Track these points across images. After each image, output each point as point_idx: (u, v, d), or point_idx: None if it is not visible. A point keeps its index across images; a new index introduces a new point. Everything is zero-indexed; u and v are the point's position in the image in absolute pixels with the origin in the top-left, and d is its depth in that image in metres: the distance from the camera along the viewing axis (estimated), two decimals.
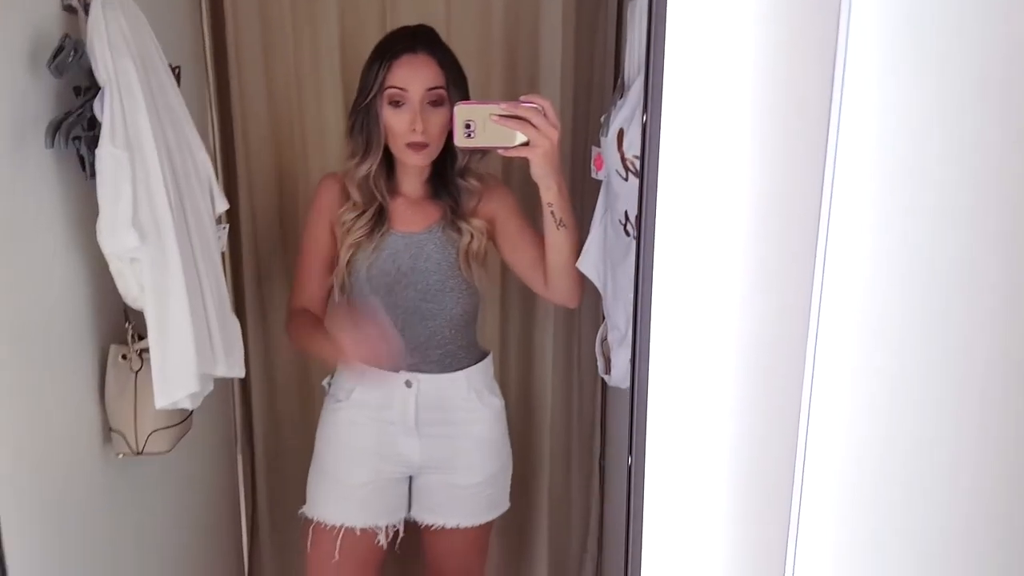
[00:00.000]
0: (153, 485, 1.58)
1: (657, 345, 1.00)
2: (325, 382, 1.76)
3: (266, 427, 2.16)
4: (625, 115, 1.35)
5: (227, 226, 1.55)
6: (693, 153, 0.95)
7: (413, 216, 1.61)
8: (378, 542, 1.69)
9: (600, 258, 1.55)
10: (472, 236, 1.60)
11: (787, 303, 1.00)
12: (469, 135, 1.30)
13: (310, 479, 1.73)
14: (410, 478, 1.74)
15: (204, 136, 1.90)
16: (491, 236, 1.64)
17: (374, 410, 1.67)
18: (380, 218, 1.59)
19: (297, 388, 2.14)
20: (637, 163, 1.33)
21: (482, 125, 1.29)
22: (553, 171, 1.36)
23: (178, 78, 1.54)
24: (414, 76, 1.48)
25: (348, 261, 1.60)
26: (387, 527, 1.70)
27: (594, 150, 1.50)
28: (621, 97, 1.41)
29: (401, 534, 1.73)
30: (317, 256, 1.66)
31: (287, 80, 1.97)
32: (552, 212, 1.43)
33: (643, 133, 0.92)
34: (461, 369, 1.68)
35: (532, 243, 1.58)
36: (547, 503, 2.23)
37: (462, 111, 1.30)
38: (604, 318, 1.60)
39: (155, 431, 1.37)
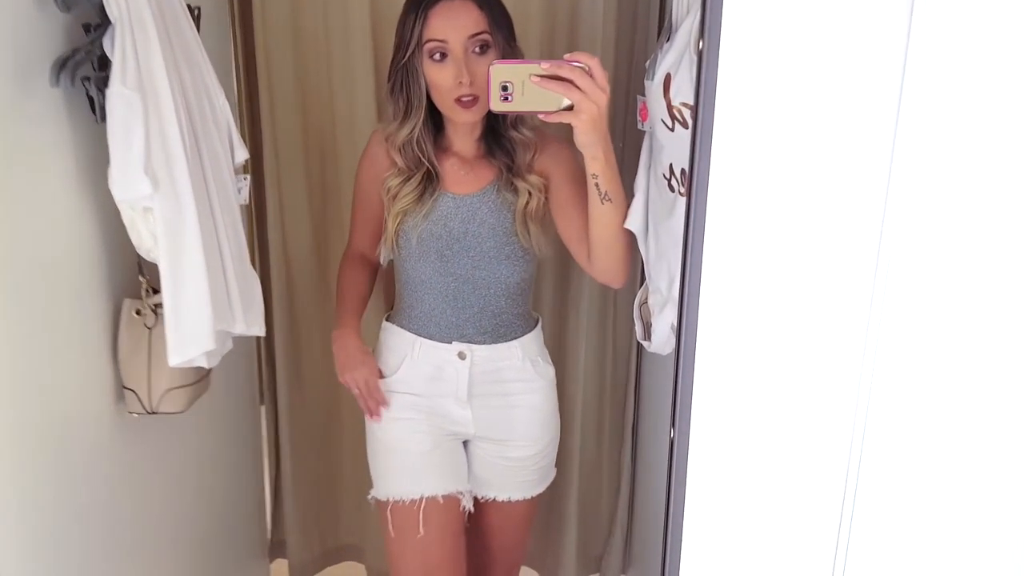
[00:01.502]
0: (170, 445, 1.53)
1: (707, 312, 0.91)
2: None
3: (290, 384, 2.11)
4: (672, 59, 1.25)
5: (248, 176, 1.47)
6: (753, 101, 0.84)
7: (466, 177, 1.51)
8: (463, 508, 1.60)
9: (644, 217, 1.45)
10: (530, 194, 1.48)
11: (848, 269, 0.90)
12: (506, 98, 1.16)
13: (372, 461, 1.64)
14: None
15: (227, 83, 1.82)
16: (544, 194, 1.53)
17: (424, 382, 1.59)
18: (429, 181, 1.49)
19: (322, 344, 2.08)
20: (685, 112, 1.23)
21: (520, 87, 1.15)
22: (600, 139, 1.22)
23: (198, 20, 1.46)
24: (454, 25, 1.36)
25: (396, 229, 1.51)
26: (468, 492, 1.62)
27: (639, 99, 1.39)
28: (668, 40, 1.30)
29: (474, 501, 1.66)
30: (366, 210, 1.60)
31: (315, 24, 1.88)
32: (597, 184, 1.29)
33: (697, 78, 0.81)
34: (516, 338, 1.60)
35: (584, 211, 1.43)
36: (577, 471, 2.16)
37: (498, 71, 1.16)
38: (644, 280, 1.50)
39: (170, 390, 1.31)
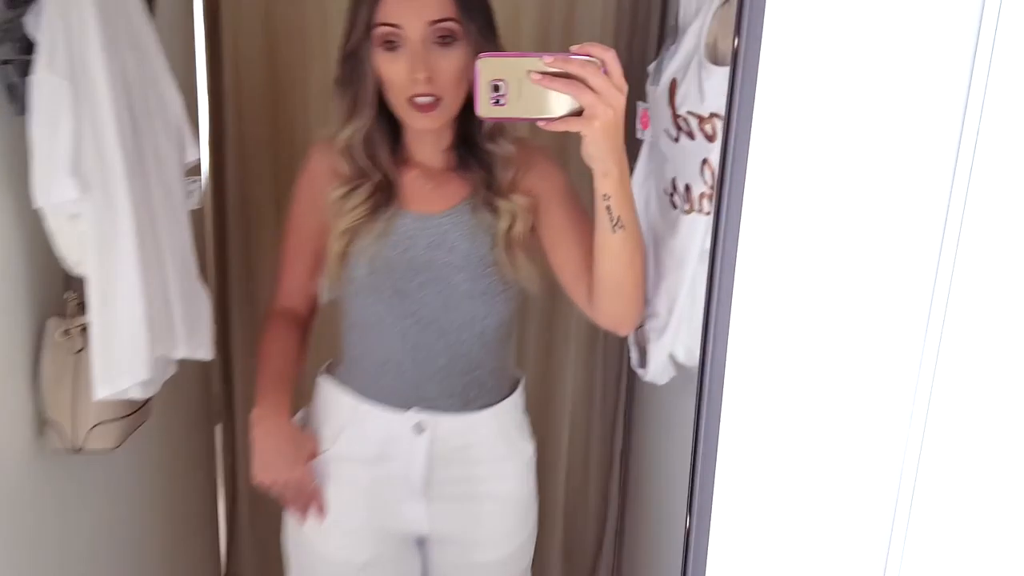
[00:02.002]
0: (104, 480, 1.36)
1: (736, 346, 0.77)
2: (298, 416, 1.32)
3: (249, 403, 1.93)
4: (678, 63, 1.11)
5: (199, 179, 1.31)
6: (792, 111, 0.71)
7: (432, 193, 1.20)
8: None
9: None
10: (514, 217, 1.18)
11: (902, 296, 0.77)
12: (498, 101, 0.91)
13: (288, 556, 1.33)
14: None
15: (187, 73, 1.66)
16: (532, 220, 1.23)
17: (369, 463, 1.25)
18: (385, 196, 1.19)
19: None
20: (691, 121, 1.09)
21: (516, 87, 0.90)
22: (615, 151, 0.95)
23: (152, 2, 1.31)
24: (411, 6, 1.08)
25: (342, 253, 1.19)
26: None
27: (640, 106, 1.25)
28: (674, 42, 1.16)
29: None
30: (302, 247, 1.27)
31: (289, 11, 1.73)
32: (608, 207, 1.00)
33: (731, 83, 0.67)
34: (490, 405, 1.27)
35: (581, 237, 1.16)
36: (562, 502, 2.03)
37: (488, 67, 0.90)
38: None
39: (99, 424, 1.15)
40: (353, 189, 1.18)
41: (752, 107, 0.62)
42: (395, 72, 1.10)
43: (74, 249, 1.07)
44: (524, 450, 1.33)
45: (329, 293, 1.25)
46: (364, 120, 1.15)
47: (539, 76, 0.89)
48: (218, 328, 1.70)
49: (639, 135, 1.26)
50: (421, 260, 1.18)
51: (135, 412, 1.21)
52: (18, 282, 1.11)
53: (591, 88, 0.89)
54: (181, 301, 1.17)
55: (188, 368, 1.32)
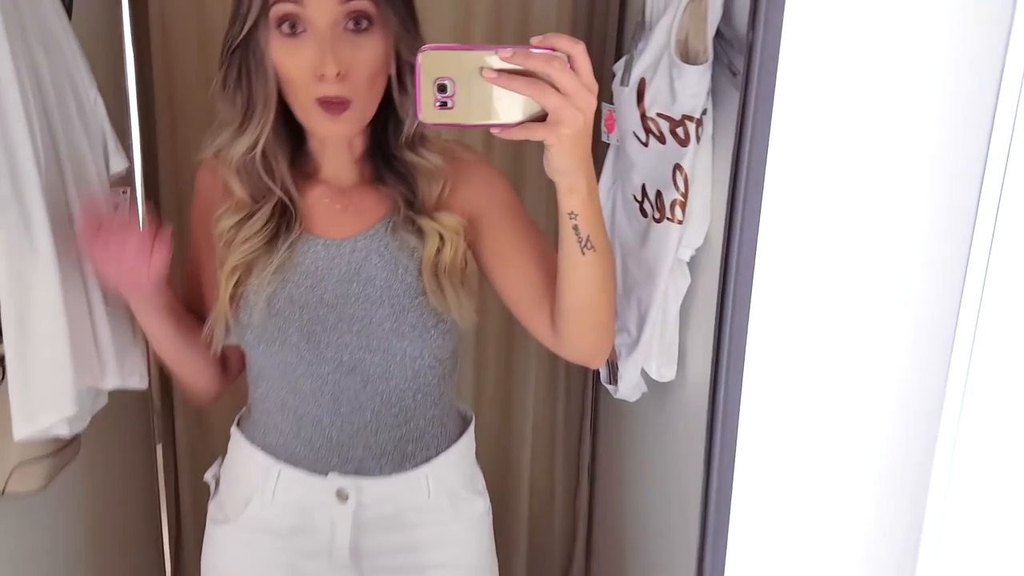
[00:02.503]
0: (35, 522, 1.24)
1: (752, 384, 0.72)
2: (209, 476, 1.16)
3: (189, 423, 1.84)
4: (647, 63, 1.05)
5: (127, 191, 1.20)
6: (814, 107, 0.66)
7: (343, 214, 1.02)
8: None
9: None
10: (442, 239, 0.99)
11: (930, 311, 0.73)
12: (444, 103, 0.74)
13: None
14: None
15: (112, 76, 1.54)
16: (470, 243, 1.03)
17: (285, 535, 1.07)
18: (284, 219, 1.00)
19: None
20: (662, 124, 1.02)
21: (466, 87, 0.74)
22: (583, 162, 0.78)
23: (69, 1, 1.19)
24: None
25: (232, 294, 1.00)
26: None
27: (605, 107, 1.18)
28: (641, 40, 1.09)
29: None
30: (197, 277, 1.10)
31: (225, 7, 1.61)
32: (576, 227, 0.83)
33: (743, 94, 0.61)
34: (428, 461, 1.07)
35: (536, 258, 0.99)
36: (526, 518, 1.96)
37: (432, 62, 0.74)
38: None
39: (21, 464, 1.05)
40: (248, 216, 0.99)
41: (771, 108, 0.56)
42: (297, 65, 0.90)
43: None
44: (475, 508, 1.12)
45: (224, 341, 1.04)
46: (260, 128, 0.94)
47: (494, 74, 0.73)
48: None
49: (604, 138, 1.20)
50: (333, 295, 1.00)
51: (63, 449, 1.11)
52: None
53: (557, 88, 0.72)
54: (108, 325, 1.07)
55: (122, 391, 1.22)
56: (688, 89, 0.97)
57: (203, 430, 1.86)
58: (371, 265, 1.00)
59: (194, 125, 1.67)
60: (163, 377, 1.80)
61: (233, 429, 1.12)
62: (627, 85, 1.03)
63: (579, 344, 0.96)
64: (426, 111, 0.75)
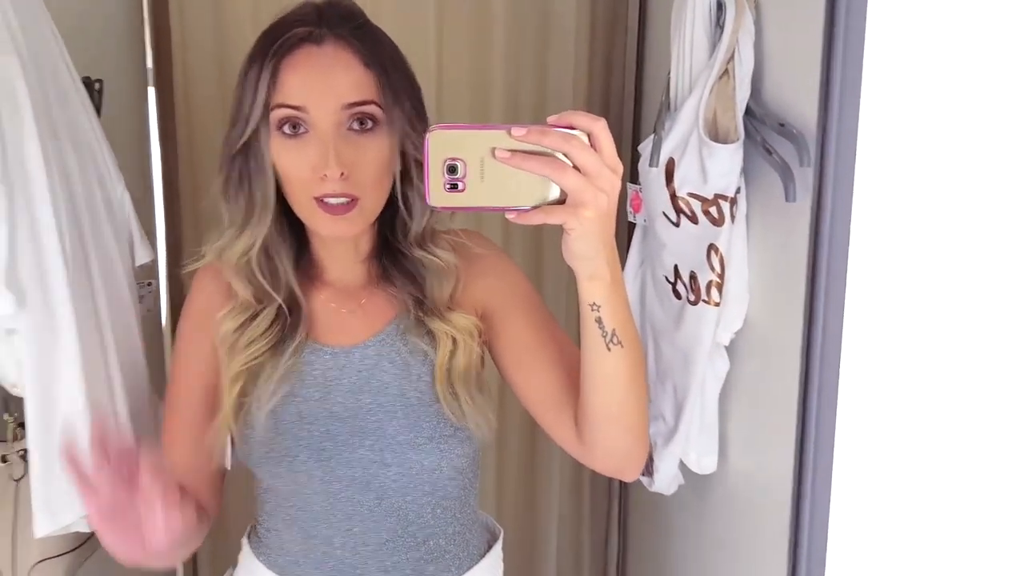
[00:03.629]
0: None
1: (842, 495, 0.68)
2: None
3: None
4: (675, 142, 1.03)
5: (153, 283, 1.20)
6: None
7: (349, 319, 0.96)
8: None
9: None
10: (455, 343, 0.93)
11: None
12: (455, 185, 0.70)
13: None
14: None
15: (144, 174, 1.57)
16: (485, 341, 0.97)
17: None
18: (292, 325, 0.94)
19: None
20: (694, 204, 1.01)
21: (478, 168, 0.70)
22: (606, 248, 0.71)
23: (99, 94, 1.22)
24: (321, 84, 0.85)
25: (237, 404, 0.93)
26: None
27: (631, 188, 1.17)
28: (667, 119, 1.09)
29: None
30: (189, 398, 0.96)
31: None
32: (599, 320, 0.75)
33: (817, 181, 0.59)
34: None
35: (557, 356, 0.92)
36: (556, 525, 1.89)
37: (441, 142, 0.70)
38: None
39: (41, 562, 1.02)
40: (251, 317, 0.93)
41: (851, 197, 0.54)
42: (298, 166, 0.85)
43: (9, 368, 0.95)
44: None
45: (223, 458, 0.96)
46: (260, 228, 0.90)
47: (507, 154, 0.69)
48: None
49: (631, 218, 1.18)
50: (344, 408, 0.93)
51: (81, 546, 1.07)
52: None
53: (577, 168, 0.67)
54: (131, 422, 1.05)
55: None
56: (719, 168, 0.95)
57: (224, 533, 1.81)
58: (382, 373, 0.94)
59: (217, 217, 1.68)
60: None
61: (243, 541, 1.05)
62: (656, 165, 1.02)
63: (608, 451, 0.86)
64: (435, 194, 0.70)
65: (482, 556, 1.02)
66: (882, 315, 0.71)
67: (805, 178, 0.88)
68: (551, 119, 0.68)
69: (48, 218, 0.95)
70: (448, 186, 0.69)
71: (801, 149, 0.85)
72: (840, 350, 0.65)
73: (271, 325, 0.92)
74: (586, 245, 0.70)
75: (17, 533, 1.02)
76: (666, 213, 1.05)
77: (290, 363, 0.92)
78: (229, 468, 0.97)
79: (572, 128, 0.68)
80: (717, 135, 0.97)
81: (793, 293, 0.87)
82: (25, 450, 1.02)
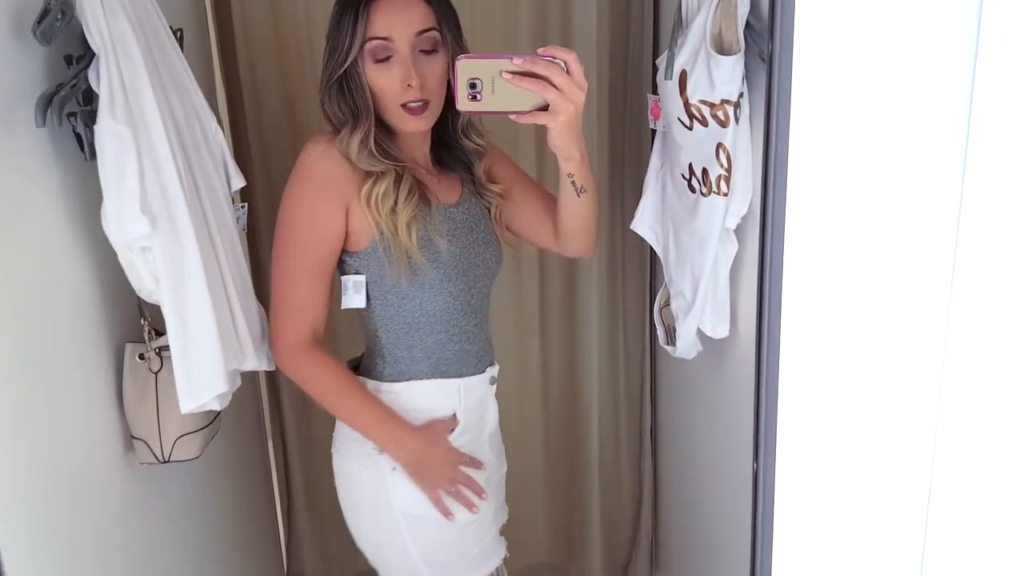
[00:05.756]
0: (181, 491, 1.46)
1: (790, 334, 0.87)
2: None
3: (297, 412, 2.04)
4: (687, 56, 1.19)
5: (245, 205, 1.40)
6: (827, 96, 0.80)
7: (440, 186, 1.35)
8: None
9: (657, 218, 1.40)
10: (498, 203, 1.40)
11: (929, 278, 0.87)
12: (474, 96, 1.04)
13: (449, 549, 1.38)
14: None
15: (213, 107, 1.74)
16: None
17: (469, 432, 1.40)
18: (418, 189, 1.29)
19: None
20: (704, 109, 1.17)
21: (490, 85, 1.03)
22: (577, 140, 1.13)
23: (181, 42, 1.39)
24: (400, 20, 1.20)
25: (411, 247, 1.26)
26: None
27: (650, 98, 1.33)
28: (680, 36, 1.24)
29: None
30: (321, 256, 1.27)
31: (299, 42, 1.81)
32: (573, 182, 1.23)
33: (768, 77, 0.77)
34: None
35: (534, 195, 1.43)
36: (597, 479, 2.11)
37: (466, 67, 1.03)
38: (664, 283, 1.45)
39: (182, 436, 1.25)
40: (395, 182, 1.25)
41: (790, 87, 0.72)
42: (388, 81, 1.22)
43: (147, 280, 1.15)
44: None
45: (361, 300, 1.31)
46: (368, 125, 1.24)
47: (510, 75, 1.02)
48: None
49: (651, 125, 1.35)
50: (466, 241, 1.33)
51: (210, 423, 1.30)
52: (96, 313, 1.19)
53: (555, 86, 1.02)
54: (244, 318, 1.26)
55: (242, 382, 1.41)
56: (724, 77, 1.11)
57: (309, 424, 2.06)
58: (473, 219, 1.36)
59: (277, 144, 1.87)
60: (270, 378, 2.02)
61: (386, 386, 1.35)
62: (671, 78, 1.18)
63: (577, 247, 1.39)
64: (461, 102, 1.05)
65: None
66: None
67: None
68: (540, 50, 1.03)
69: (166, 152, 1.13)
70: (470, 97, 1.04)
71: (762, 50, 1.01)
72: (784, 229, 0.83)
73: (412, 186, 1.26)
74: (561, 139, 1.12)
75: (160, 416, 1.23)
76: (681, 119, 1.22)
77: (433, 214, 1.29)
78: (364, 306, 1.31)
79: (554, 58, 1.03)
80: (722, 48, 1.13)
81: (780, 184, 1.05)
82: (160, 348, 1.24)
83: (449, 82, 1.24)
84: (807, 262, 0.89)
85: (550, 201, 1.39)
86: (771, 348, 0.92)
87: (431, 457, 1.31)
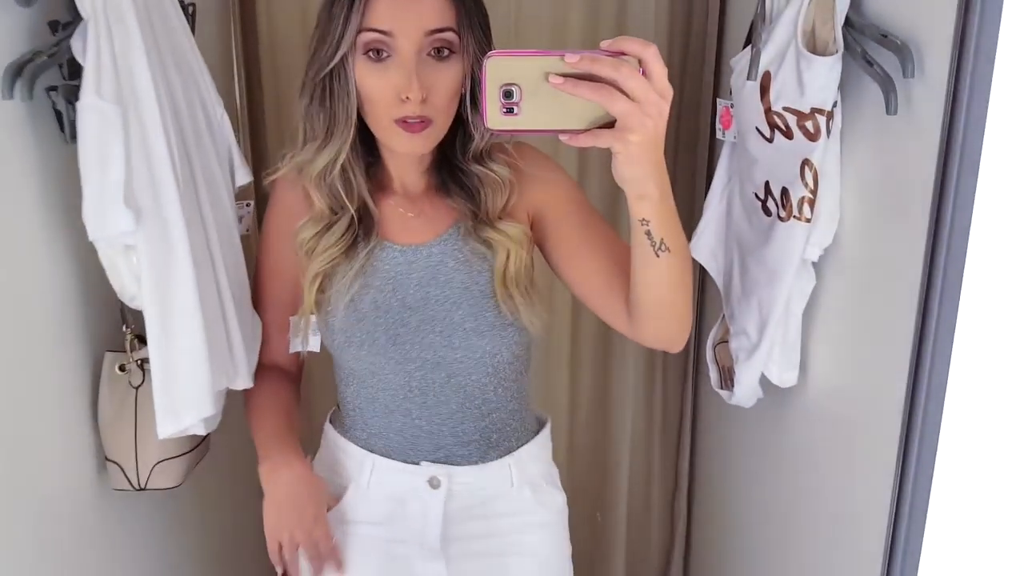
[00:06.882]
0: (163, 516, 1.30)
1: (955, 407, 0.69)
2: None
3: (304, 434, 1.88)
4: (771, 55, 1.02)
5: (251, 203, 1.24)
6: None
7: (415, 222, 1.06)
8: None
9: (720, 242, 1.22)
10: (509, 253, 1.03)
11: None
12: (510, 109, 0.72)
13: None
14: None
15: (227, 91, 1.60)
16: (537, 241, 1.07)
17: (378, 526, 1.11)
18: (365, 229, 1.04)
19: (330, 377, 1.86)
20: (788, 118, 1.00)
21: (532, 92, 0.71)
22: (655, 171, 0.75)
23: (192, 18, 1.24)
24: (407, 11, 0.91)
25: (316, 300, 1.06)
26: None
27: (721, 103, 1.16)
28: (764, 31, 1.07)
29: None
30: (277, 294, 1.13)
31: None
32: (649, 232, 0.81)
33: (951, 95, 0.59)
34: (510, 451, 1.12)
35: (604, 248, 1.01)
36: (625, 522, 1.95)
37: (499, 68, 0.72)
38: (722, 316, 1.27)
39: (161, 461, 1.10)
40: (327, 226, 1.03)
41: (985, 111, 0.54)
42: (382, 88, 0.93)
43: (129, 282, 1.01)
44: (555, 500, 1.17)
45: (304, 346, 1.11)
46: (341, 144, 0.98)
47: (560, 79, 0.70)
48: None
49: (719, 135, 1.18)
50: (414, 299, 1.04)
51: (196, 447, 1.15)
52: (73, 317, 1.05)
53: (626, 94, 0.69)
54: (240, 330, 1.11)
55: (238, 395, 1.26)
56: (817, 81, 0.94)
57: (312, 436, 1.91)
58: (447, 269, 1.04)
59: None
60: None
61: (326, 426, 1.19)
62: (754, 79, 1.01)
63: (657, 334, 0.96)
64: (492, 118, 0.73)
65: (536, 433, 1.16)
66: (1009, 245, 0.69)
67: (907, 90, 0.87)
68: (603, 44, 0.70)
69: (159, 137, 0.99)
70: (504, 110, 0.72)
71: (906, 60, 0.83)
72: (962, 278, 0.64)
73: (346, 231, 1.02)
74: (634, 168, 0.74)
75: (139, 437, 1.09)
76: (759, 128, 1.05)
77: (364, 261, 1.03)
78: (318, 351, 1.11)
79: (623, 54, 0.69)
80: (815, 47, 0.96)
81: (903, 212, 0.87)
82: (142, 359, 1.09)
83: (463, 96, 0.96)
84: (991, 317, 0.69)
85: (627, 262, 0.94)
86: (928, 421, 0.74)
87: (281, 500, 1.04)
